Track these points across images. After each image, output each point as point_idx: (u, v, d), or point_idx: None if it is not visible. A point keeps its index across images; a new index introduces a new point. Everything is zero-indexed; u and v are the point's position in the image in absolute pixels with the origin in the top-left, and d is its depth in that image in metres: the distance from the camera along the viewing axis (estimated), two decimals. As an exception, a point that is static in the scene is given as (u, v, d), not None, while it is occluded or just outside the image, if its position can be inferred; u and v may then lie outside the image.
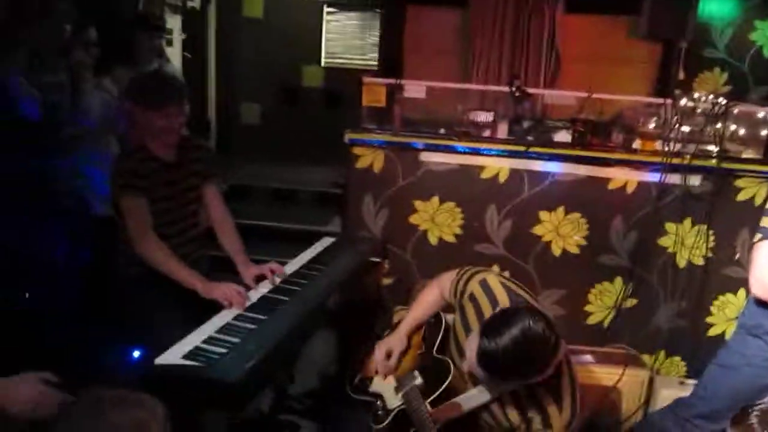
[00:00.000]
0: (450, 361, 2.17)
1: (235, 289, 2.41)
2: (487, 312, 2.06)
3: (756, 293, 2.32)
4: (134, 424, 1.25)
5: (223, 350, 2.02)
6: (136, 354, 2.57)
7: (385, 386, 2.32)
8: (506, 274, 3.29)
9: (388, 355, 2.32)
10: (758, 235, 2.29)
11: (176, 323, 2.38)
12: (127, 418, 1.26)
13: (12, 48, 2.94)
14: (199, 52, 6.53)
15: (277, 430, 3.01)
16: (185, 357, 1.99)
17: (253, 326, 2.20)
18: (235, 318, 2.26)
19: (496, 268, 3.30)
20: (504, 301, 2.09)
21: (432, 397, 2.10)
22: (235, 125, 7.10)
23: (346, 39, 7.00)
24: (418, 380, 2.18)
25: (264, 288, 2.56)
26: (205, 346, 2.06)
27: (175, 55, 5.66)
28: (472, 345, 1.87)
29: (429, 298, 2.36)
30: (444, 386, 2.09)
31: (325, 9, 6.92)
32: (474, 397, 2.07)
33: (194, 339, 2.10)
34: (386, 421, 2.18)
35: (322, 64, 7.05)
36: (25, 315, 3.03)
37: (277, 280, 2.62)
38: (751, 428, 1.45)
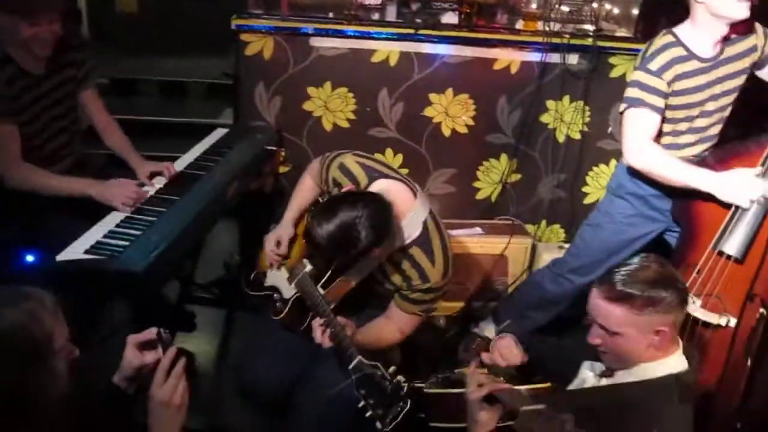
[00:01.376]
0: None
1: (131, 187, 2.37)
2: None
3: (628, 160, 2.50)
4: (24, 316, 1.28)
5: (126, 243, 2.05)
6: (30, 257, 2.54)
7: (279, 278, 2.38)
8: (398, 156, 3.43)
9: (278, 245, 2.39)
10: (622, 105, 2.48)
11: (70, 221, 2.37)
12: (16, 312, 1.28)
13: None
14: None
15: (178, 318, 3.08)
16: (87, 252, 2.00)
17: (153, 218, 2.22)
18: (135, 212, 2.26)
19: (390, 151, 3.41)
20: (362, 178, 2.23)
21: (323, 280, 2.20)
22: (110, 14, 6.61)
23: None
24: (308, 267, 2.24)
25: (160, 183, 2.55)
26: (106, 240, 2.07)
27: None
28: None
29: (304, 186, 2.46)
30: (332, 268, 2.20)
31: None
32: (358, 270, 2.22)
33: (95, 234, 2.11)
34: (284, 312, 2.27)
35: (201, -55, 6.61)
36: None
37: (156, 186, 2.57)
38: (613, 287, 1.65)
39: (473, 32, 3.24)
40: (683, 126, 2.51)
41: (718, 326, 2.29)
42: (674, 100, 2.45)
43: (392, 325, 2.27)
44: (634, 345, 1.66)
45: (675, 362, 1.70)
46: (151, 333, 1.55)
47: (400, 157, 3.43)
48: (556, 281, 2.91)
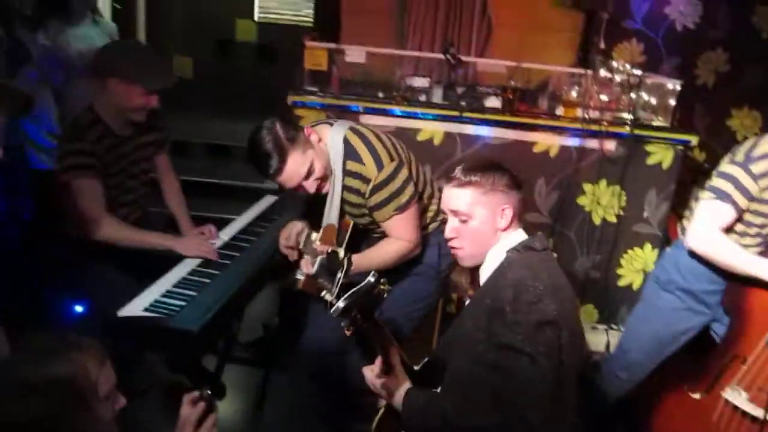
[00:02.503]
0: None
1: (207, 244, 2.62)
2: None
3: (690, 244, 2.43)
4: (72, 366, 1.35)
5: (182, 303, 2.17)
6: (80, 309, 2.67)
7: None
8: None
9: (287, 239, 2.48)
10: (707, 193, 2.38)
11: (124, 278, 2.51)
12: (64, 362, 1.35)
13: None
14: (129, 4, 6.36)
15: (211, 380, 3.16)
16: (147, 309, 2.12)
17: (207, 281, 2.34)
18: (190, 273, 2.40)
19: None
20: None
21: (319, 235, 2.42)
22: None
23: (280, -6, 6.97)
24: (305, 231, 2.44)
25: (222, 240, 2.74)
26: (164, 299, 2.20)
27: (104, 6, 5.53)
28: None
29: None
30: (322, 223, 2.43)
31: (259, -39, 6.85)
32: (330, 208, 2.40)
33: (153, 293, 2.23)
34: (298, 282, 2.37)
35: (256, 18, 7.00)
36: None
37: (219, 241, 2.76)
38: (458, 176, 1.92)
39: (515, 116, 3.40)
40: (753, 230, 2.43)
41: (765, 422, 2.25)
42: (758, 207, 2.36)
43: (389, 239, 2.41)
44: (485, 227, 1.87)
45: (517, 235, 1.91)
46: (199, 393, 1.64)
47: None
48: (607, 380, 2.80)
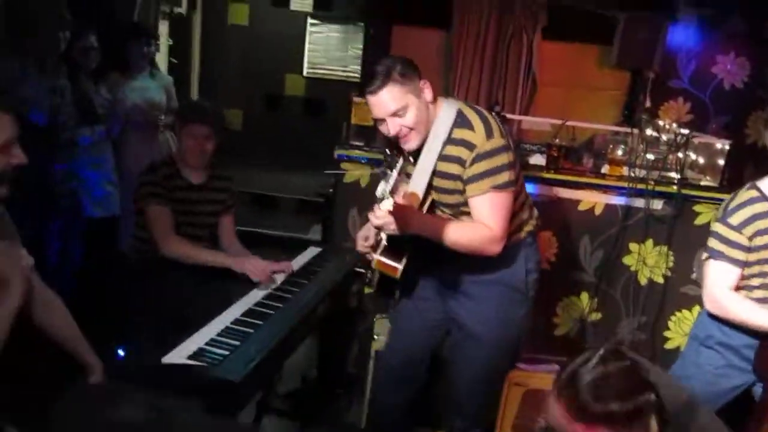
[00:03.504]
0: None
1: (262, 264, 2.71)
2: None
3: (708, 308, 2.49)
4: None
5: (226, 352, 2.18)
6: (122, 352, 2.72)
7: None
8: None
9: (366, 239, 2.48)
10: (705, 254, 2.49)
11: (170, 324, 2.55)
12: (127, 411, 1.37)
13: (14, 55, 3.05)
14: (184, 58, 6.64)
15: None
16: (190, 357, 2.14)
17: (251, 330, 2.36)
18: (234, 322, 2.42)
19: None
20: None
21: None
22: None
23: (328, 50, 7.18)
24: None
25: (280, 280, 2.80)
26: (208, 347, 2.21)
27: (162, 60, 5.78)
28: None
29: None
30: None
31: (309, 20, 7.09)
32: (419, 175, 2.32)
33: (197, 340, 2.25)
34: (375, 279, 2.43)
35: (305, 73, 7.21)
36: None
37: (278, 279, 2.81)
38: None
39: (559, 174, 3.40)
40: (756, 281, 2.45)
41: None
42: (751, 256, 2.41)
43: (475, 221, 2.30)
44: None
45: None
46: None
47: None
48: None
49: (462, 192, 2.30)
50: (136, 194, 2.82)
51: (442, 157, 2.28)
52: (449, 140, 2.26)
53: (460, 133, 2.25)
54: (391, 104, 2.19)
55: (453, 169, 2.28)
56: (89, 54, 3.72)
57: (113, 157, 3.95)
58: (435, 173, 2.31)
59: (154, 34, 4.41)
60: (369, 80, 2.21)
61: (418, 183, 2.33)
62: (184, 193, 2.84)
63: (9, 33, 3.08)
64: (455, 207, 2.36)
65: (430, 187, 2.34)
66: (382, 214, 2.12)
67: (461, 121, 2.26)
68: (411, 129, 2.24)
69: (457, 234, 2.27)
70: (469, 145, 2.24)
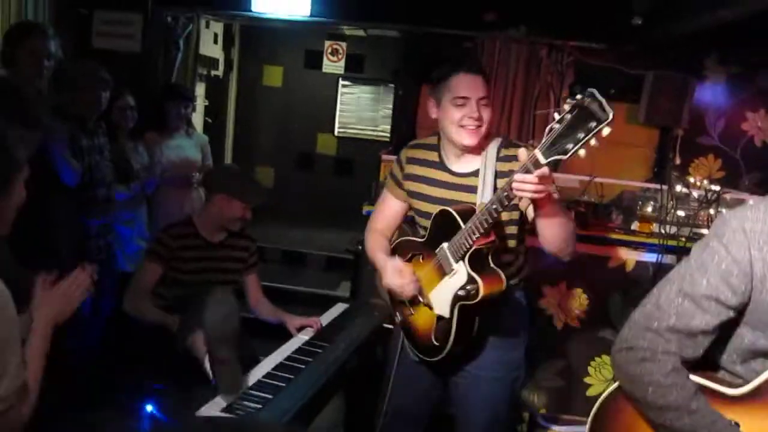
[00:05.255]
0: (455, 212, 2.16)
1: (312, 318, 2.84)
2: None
3: None
4: None
5: (259, 405, 2.18)
6: (152, 407, 2.73)
7: (431, 298, 2.24)
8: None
9: (402, 274, 2.22)
10: None
11: (201, 378, 2.56)
12: None
13: (55, 116, 3.17)
14: (219, 118, 6.85)
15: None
16: (224, 410, 2.14)
17: (283, 384, 2.36)
18: (265, 376, 2.42)
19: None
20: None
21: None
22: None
23: (359, 110, 7.34)
24: (443, 245, 2.16)
25: (307, 336, 2.85)
26: (241, 401, 2.22)
27: (197, 120, 5.96)
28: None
29: (378, 238, 2.41)
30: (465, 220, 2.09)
31: (341, 81, 7.28)
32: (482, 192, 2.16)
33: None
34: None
35: (336, 133, 7.36)
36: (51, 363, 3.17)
37: (308, 334, 2.87)
38: None
39: (588, 230, 3.38)
40: None
41: None
42: None
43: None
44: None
45: None
46: None
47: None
48: None
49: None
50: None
51: (498, 174, 2.18)
52: (498, 159, 2.19)
53: (507, 151, 2.20)
54: (483, 88, 2.16)
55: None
56: (127, 113, 3.87)
57: (147, 213, 4.05)
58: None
59: (192, 96, 4.56)
60: (466, 61, 2.19)
61: (481, 200, 2.20)
62: (200, 252, 2.88)
63: (53, 93, 3.21)
64: (505, 224, 2.26)
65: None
66: (532, 178, 1.80)
67: (507, 142, 2.25)
68: (481, 124, 2.15)
69: (568, 223, 2.10)
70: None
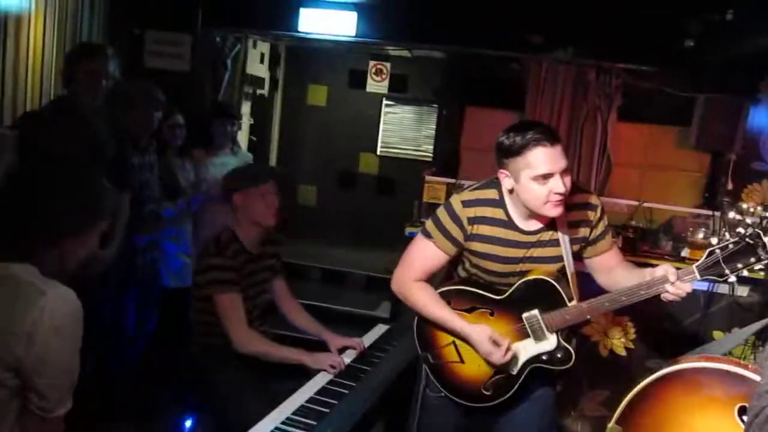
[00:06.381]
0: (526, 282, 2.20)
1: (336, 359, 2.68)
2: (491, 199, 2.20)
3: None
4: None
5: None
6: (188, 423, 2.73)
7: (524, 354, 2.22)
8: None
9: (497, 344, 2.16)
10: None
11: (243, 398, 2.56)
12: None
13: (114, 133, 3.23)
14: (263, 136, 6.93)
15: None
16: None
17: (327, 410, 2.33)
18: (308, 401, 2.39)
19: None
20: (486, 185, 2.23)
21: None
22: (292, 205, 7.41)
23: (402, 130, 7.34)
24: (536, 314, 2.17)
25: (349, 358, 2.78)
26: (284, 427, 2.19)
27: (242, 138, 6.04)
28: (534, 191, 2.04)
29: (430, 291, 2.30)
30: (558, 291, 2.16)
31: (384, 101, 7.30)
32: (566, 254, 2.18)
33: (273, 420, 2.23)
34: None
35: (378, 152, 7.37)
36: (94, 377, 3.22)
37: (348, 360, 2.79)
38: None
39: (637, 257, 3.29)
40: None
41: None
42: None
43: (620, 264, 2.28)
44: None
45: None
46: None
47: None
48: None
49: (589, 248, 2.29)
50: (200, 278, 2.73)
51: (569, 225, 2.19)
52: (569, 206, 2.16)
53: (577, 198, 2.19)
54: (563, 157, 2.04)
55: (579, 232, 2.23)
56: (176, 132, 3.94)
57: (191, 230, 4.10)
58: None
59: (237, 114, 4.62)
60: (542, 132, 2.01)
61: (570, 260, 2.24)
62: (249, 267, 2.82)
63: (110, 112, 3.29)
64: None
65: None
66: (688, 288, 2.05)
67: (572, 188, 2.14)
68: (566, 195, 2.08)
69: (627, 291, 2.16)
70: (590, 206, 2.22)
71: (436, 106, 6.84)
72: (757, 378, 1.44)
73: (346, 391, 2.50)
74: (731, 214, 3.44)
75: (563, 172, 2.03)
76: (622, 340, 3.34)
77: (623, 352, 3.35)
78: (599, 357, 3.37)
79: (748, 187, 4.41)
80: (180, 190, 3.95)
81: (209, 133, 4.26)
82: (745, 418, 1.39)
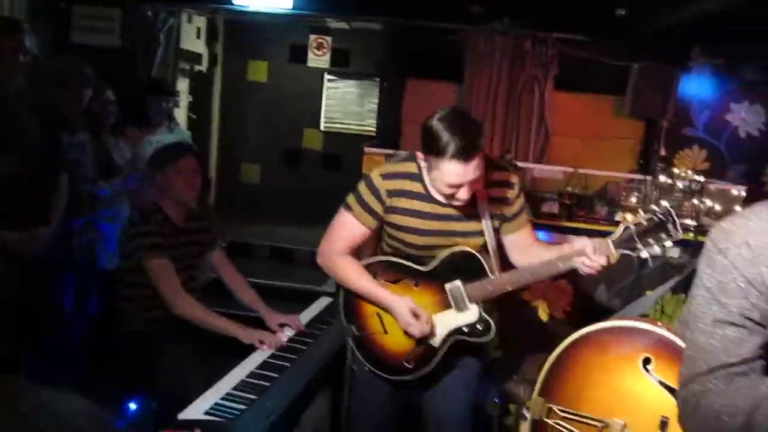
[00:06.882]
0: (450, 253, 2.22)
1: (271, 335, 2.67)
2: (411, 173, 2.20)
3: None
4: None
5: (243, 407, 2.14)
6: (133, 406, 2.70)
7: (446, 326, 2.25)
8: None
9: (416, 316, 2.19)
10: None
11: (184, 375, 2.54)
12: None
13: (40, 111, 3.12)
14: (203, 114, 6.79)
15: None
16: (207, 413, 2.10)
17: (267, 384, 2.33)
18: (249, 375, 2.38)
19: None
20: (407, 157, 2.24)
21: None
22: (235, 184, 7.31)
23: (345, 105, 7.30)
24: (457, 283, 2.19)
25: (288, 335, 2.78)
26: (224, 402, 2.17)
27: (182, 116, 5.91)
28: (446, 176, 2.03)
29: (354, 264, 2.30)
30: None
31: (326, 76, 7.23)
32: (488, 230, 2.21)
33: (213, 395, 2.22)
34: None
35: (322, 128, 7.32)
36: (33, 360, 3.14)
37: (289, 333, 2.79)
38: None
39: (573, 222, 3.38)
40: None
41: None
42: None
43: (535, 243, 2.31)
44: None
45: None
46: None
47: (495, 337, 3.46)
48: None
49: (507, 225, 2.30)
50: (127, 248, 2.74)
51: (490, 201, 2.22)
52: (491, 185, 2.21)
53: (496, 175, 2.22)
54: (476, 171, 2.04)
55: (499, 209, 2.25)
56: (108, 109, 3.81)
57: (128, 210, 4.00)
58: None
59: (172, 90, 4.51)
60: (461, 148, 1.98)
61: (490, 236, 2.26)
62: (176, 239, 2.80)
63: (35, 90, 3.17)
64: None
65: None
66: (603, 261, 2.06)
67: (493, 164, 2.22)
68: (466, 201, 2.13)
69: (538, 268, 2.20)
70: (509, 184, 2.24)
71: (378, 80, 6.81)
72: (659, 331, 1.52)
73: (288, 365, 2.50)
74: (662, 179, 3.55)
75: (473, 183, 2.06)
76: (561, 303, 3.42)
77: (562, 316, 3.44)
78: (539, 322, 3.45)
79: (679, 152, 4.56)
80: (115, 169, 3.84)
81: (143, 111, 4.14)
82: (649, 367, 1.46)
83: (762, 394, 1.17)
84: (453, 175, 2.02)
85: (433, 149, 2.02)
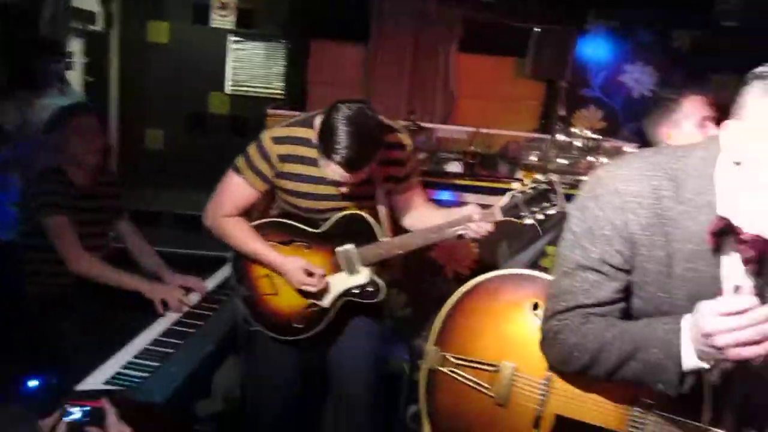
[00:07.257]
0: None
1: (175, 293, 2.58)
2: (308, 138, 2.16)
3: None
4: None
5: (145, 374, 2.10)
6: (34, 382, 2.60)
7: (336, 287, 2.27)
8: (402, 296, 3.52)
9: (310, 274, 2.21)
10: None
11: (88, 347, 2.45)
12: None
13: None
14: (101, 77, 6.46)
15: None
16: (107, 383, 2.05)
17: (171, 350, 2.28)
18: (152, 343, 2.33)
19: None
20: (296, 117, 2.25)
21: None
22: (138, 150, 7.03)
23: (251, 68, 7.11)
24: (349, 245, 2.22)
25: (195, 299, 2.73)
26: (126, 371, 2.12)
27: (76, 79, 5.60)
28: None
29: (243, 226, 2.29)
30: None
31: (231, 37, 7.01)
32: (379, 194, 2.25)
33: (114, 364, 2.16)
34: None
35: (228, 91, 7.12)
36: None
37: (195, 298, 2.73)
38: None
39: (476, 181, 3.46)
40: None
41: None
42: None
43: (424, 205, 2.37)
44: None
45: None
46: None
47: (404, 296, 3.53)
48: None
49: (400, 184, 2.33)
50: (25, 212, 2.67)
51: (383, 163, 2.20)
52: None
53: (390, 137, 2.20)
54: (363, 175, 2.07)
55: (393, 171, 2.27)
56: (-10, 71, 3.58)
57: (22, 179, 3.79)
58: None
59: (62, 50, 4.26)
60: (346, 160, 1.96)
61: (382, 200, 2.29)
62: (80, 202, 2.71)
63: None
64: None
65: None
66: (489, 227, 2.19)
67: (388, 128, 2.22)
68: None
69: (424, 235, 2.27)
70: (401, 146, 2.25)
71: (284, 41, 6.66)
72: (545, 277, 1.60)
73: (193, 330, 2.47)
74: (561, 137, 3.68)
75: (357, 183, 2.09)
76: (466, 262, 3.52)
77: (468, 273, 3.54)
78: (446, 279, 3.54)
79: (577, 112, 4.73)
80: (4, 134, 3.62)
81: (31, 73, 3.91)
82: (537, 312, 1.55)
83: (607, 340, 1.31)
84: (336, 175, 2.04)
85: (325, 146, 2.00)
